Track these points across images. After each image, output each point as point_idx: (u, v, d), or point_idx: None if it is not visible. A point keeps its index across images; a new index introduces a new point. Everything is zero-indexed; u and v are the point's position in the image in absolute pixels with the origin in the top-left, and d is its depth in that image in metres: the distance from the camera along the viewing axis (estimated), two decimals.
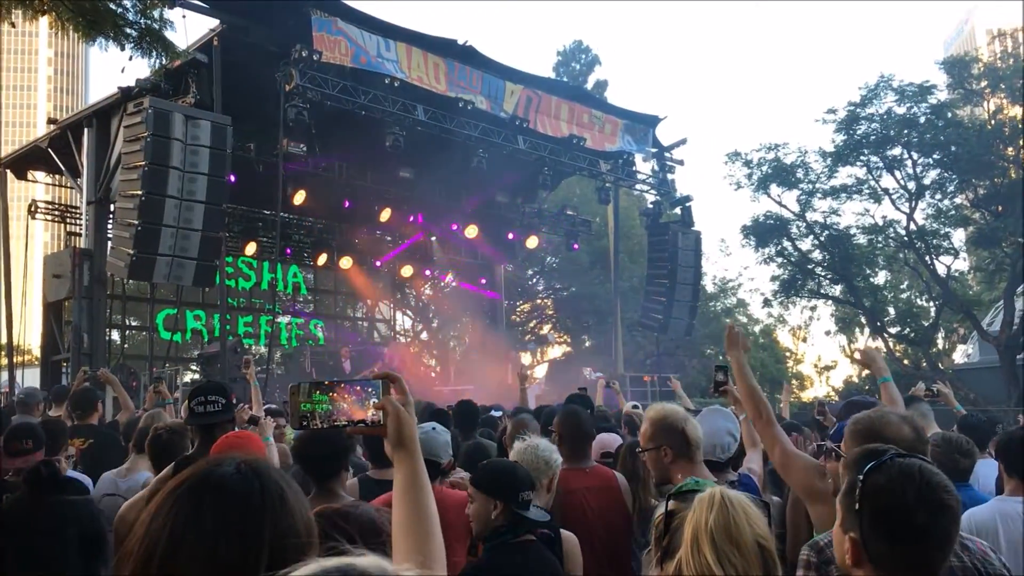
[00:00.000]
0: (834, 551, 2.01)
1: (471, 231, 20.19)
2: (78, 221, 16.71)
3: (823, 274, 30.64)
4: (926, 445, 2.67)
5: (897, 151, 26.79)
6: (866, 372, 43.47)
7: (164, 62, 7.23)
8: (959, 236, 29.36)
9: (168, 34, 6.78)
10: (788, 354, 46.81)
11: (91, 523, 1.98)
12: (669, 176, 20.42)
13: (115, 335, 19.75)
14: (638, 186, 20.74)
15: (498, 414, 7.69)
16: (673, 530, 1.97)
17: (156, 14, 6.50)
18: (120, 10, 6.36)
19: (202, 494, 1.24)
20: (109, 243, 13.98)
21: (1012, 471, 3.71)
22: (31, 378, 17.15)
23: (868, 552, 1.80)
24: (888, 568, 1.78)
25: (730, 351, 3.64)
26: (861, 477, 1.84)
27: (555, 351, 36.25)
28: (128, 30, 6.35)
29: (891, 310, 33.45)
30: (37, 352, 20.46)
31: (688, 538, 1.86)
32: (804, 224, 29.19)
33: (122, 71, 13.48)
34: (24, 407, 7.37)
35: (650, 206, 20.98)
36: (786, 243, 29.82)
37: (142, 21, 6.41)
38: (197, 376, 17.40)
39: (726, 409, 4.24)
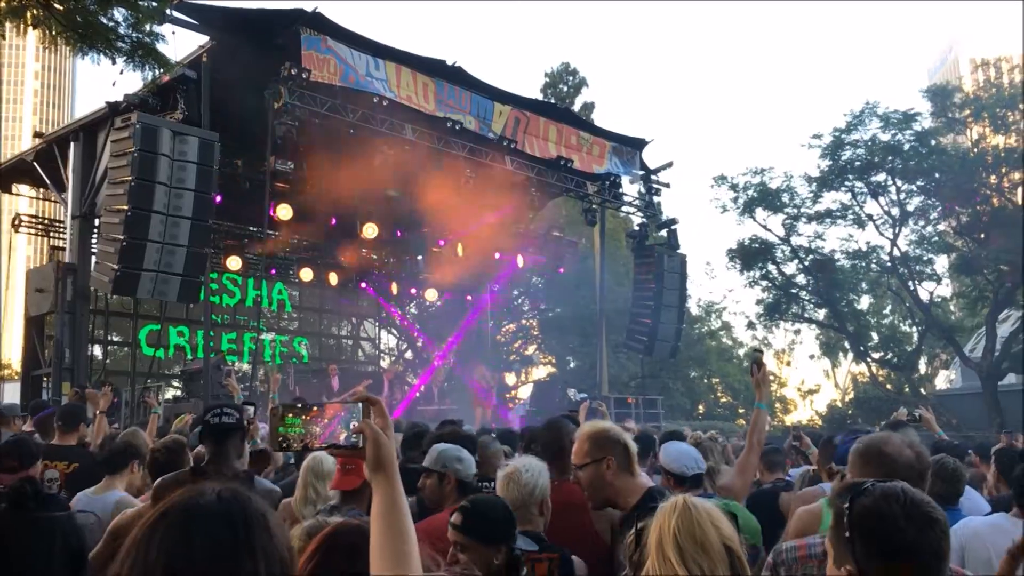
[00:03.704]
0: None
1: (457, 250, 20.18)
2: (62, 235, 16.60)
3: (807, 298, 30.82)
4: (928, 468, 2.66)
5: (881, 177, 27.04)
6: (849, 397, 43.66)
7: (156, 75, 7.22)
8: (942, 262, 29.68)
9: (160, 47, 6.78)
10: (772, 377, 46.95)
11: (75, 539, 1.96)
12: (655, 199, 20.51)
13: (97, 350, 19.58)
14: (624, 208, 20.82)
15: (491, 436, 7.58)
16: (643, 545, 1.96)
17: (147, 28, 6.50)
18: (112, 24, 6.36)
19: (189, 522, 1.24)
20: (93, 258, 13.88)
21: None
22: (11, 393, 16.98)
23: None
24: None
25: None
26: (846, 506, 1.83)
27: (540, 372, 36.21)
28: (120, 44, 6.34)
29: (874, 335, 33.71)
30: (17, 367, 20.26)
31: (653, 543, 1.85)
32: (789, 248, 29.38)
33: (113, 85, 13.53)
34: (1, 420, 7.30)
35: (636, 228, 21.02)
36: (771, 267, 30.00)
37: (134, 35, 6.40)
38: (179, 392, 17.22)
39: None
